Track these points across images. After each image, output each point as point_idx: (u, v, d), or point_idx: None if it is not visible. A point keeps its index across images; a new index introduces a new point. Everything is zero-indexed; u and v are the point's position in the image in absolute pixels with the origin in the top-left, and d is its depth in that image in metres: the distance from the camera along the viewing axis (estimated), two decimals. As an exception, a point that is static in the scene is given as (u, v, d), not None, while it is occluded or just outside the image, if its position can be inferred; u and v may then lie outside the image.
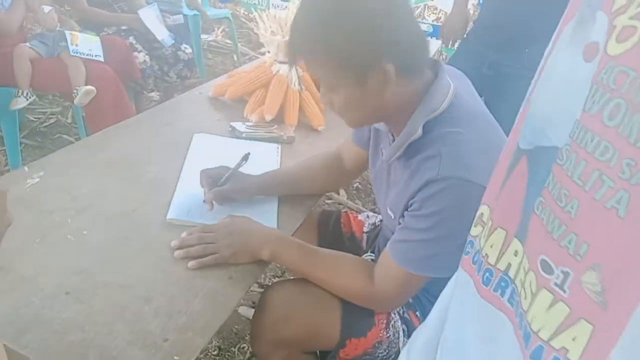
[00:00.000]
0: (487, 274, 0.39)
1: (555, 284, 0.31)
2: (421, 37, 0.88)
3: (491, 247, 0.39)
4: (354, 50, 0.81)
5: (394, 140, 0.95)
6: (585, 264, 0.29)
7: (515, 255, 0.36)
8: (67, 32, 2.21)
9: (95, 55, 2.28)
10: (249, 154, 1.20)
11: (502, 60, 1.80)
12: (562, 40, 0.33)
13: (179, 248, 0.96)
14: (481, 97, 1.03)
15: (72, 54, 2.19)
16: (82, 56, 2.22)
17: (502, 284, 0.37)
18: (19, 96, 2.19)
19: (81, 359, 0.74)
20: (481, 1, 2.19)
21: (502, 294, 0.37)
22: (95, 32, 2.55)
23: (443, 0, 4.05)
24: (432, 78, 0.90)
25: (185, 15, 3.37)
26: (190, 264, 0.93)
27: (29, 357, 0.76)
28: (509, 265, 0.36)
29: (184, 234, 0.99)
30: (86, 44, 2.26)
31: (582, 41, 0.31)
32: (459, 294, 0.45)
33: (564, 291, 0.30)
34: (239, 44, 4.51)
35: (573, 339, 0.29)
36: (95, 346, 0.76)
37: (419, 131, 0.86)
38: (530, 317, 0.32)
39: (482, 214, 0.41)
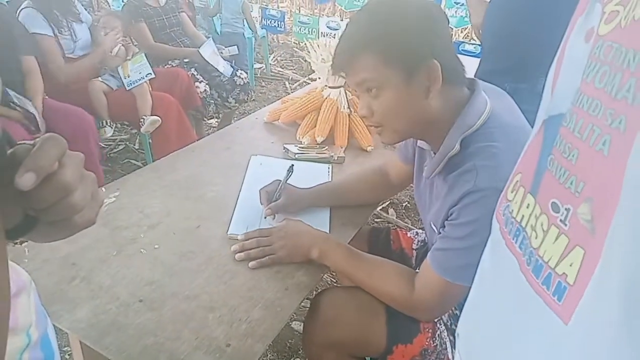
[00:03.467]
0: (510, 225, 0.46)
1: (560, 220, 0.37)
2: (457, 57, 0.93)
3: (514, 202, 0.46)
4: (406, 42, 0.86)
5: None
6: (581, 198, 0.35)
7: (527, 208, 0.43)
8: (119, 69, 2.40)
9: (147, 75, 2.43)
10: (292, 165, 1.28)
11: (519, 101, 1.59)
12: (575, 30, 0.41)
13: (240, 251, 1.04)
14: None
15: (127, 88, 2.37)
16: (137, 84, 2.39)
17: (517, 232, 0.44)
18: (105, 126, 2.40)
19: (153, 361, 0.81)
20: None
21: (516, 241, 0.44)
22: (159, 64, 2.77)
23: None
24: (468, 95, 0.93)
25: (244, 38, 3.99)
26: (251, 264, 1.01)
27: (108, 358, 0.84)
28: (523, 217, 0.43)
29: (240, 236, 1.07)
30: (136, 70, 2.41)
31: (585, 28, 0.39)
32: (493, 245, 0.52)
33: (565, 225, 0.36)
34: (290, 71, 4.68)
35: (570, 265, 0.35)
36: (166, 350, 0.83)
37: (457, 147, 0.89)
38: (542, 251, 0.39)
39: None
